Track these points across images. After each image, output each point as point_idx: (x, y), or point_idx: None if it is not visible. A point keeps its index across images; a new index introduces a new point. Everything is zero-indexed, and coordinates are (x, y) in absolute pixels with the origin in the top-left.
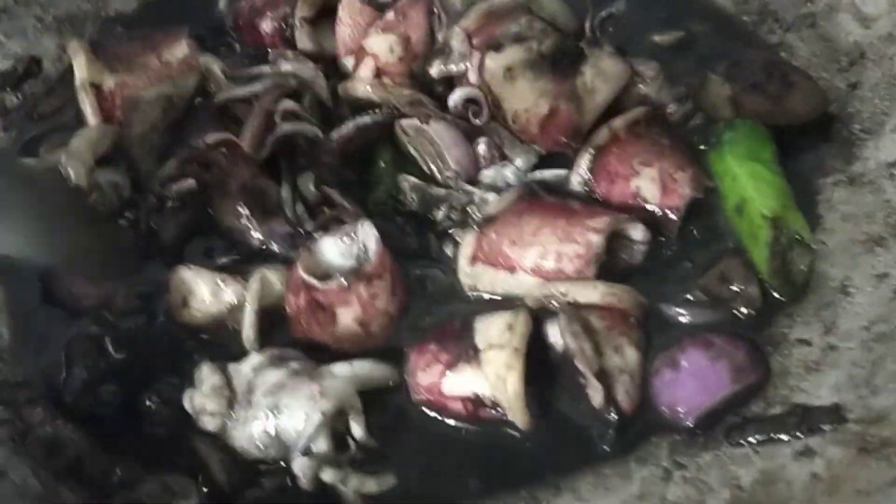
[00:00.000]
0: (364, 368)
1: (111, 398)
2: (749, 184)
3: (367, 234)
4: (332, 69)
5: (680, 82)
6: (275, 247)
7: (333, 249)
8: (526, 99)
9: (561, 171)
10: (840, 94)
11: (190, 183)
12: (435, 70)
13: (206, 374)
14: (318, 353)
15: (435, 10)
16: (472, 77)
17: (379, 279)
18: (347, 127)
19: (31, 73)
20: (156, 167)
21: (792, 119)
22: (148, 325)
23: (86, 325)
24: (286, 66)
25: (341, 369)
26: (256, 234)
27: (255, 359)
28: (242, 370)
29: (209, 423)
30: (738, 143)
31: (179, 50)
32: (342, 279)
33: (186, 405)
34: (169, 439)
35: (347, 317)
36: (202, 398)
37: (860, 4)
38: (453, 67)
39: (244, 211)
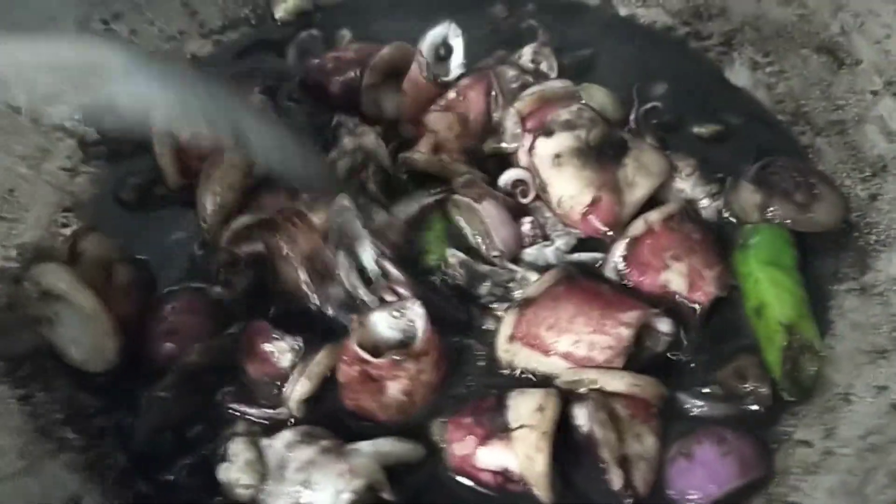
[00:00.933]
0: (387, 446)
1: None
2: (769, 290)
3: (417, 314)
4: (392, 132)
5: (714, 177)
6: (330, 311)
7: (384, 323)
8: (571, 186)
9: (597, 255)
10: (860, 203)
11: (260, 246)
12: (488, 147)
13: (241, 449)
14: (347, 423)
15: (493, 91)
16: (523, 158)
17: (426, 356)
18: (413, 207)
19: None
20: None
21: (814, 228)
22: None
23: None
24: (348, 141)
25: (367, 448)
26: (314, 299)
27: (287, 435)
28: (275, 445)
29: (242, 495)
30: (763, 247)
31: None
32: (395, 357)
33: (221, 476)
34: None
35: (395, 388)
36: (237, 472)
37: (887, 119)
38: (505, 146)
39: (304, 276)
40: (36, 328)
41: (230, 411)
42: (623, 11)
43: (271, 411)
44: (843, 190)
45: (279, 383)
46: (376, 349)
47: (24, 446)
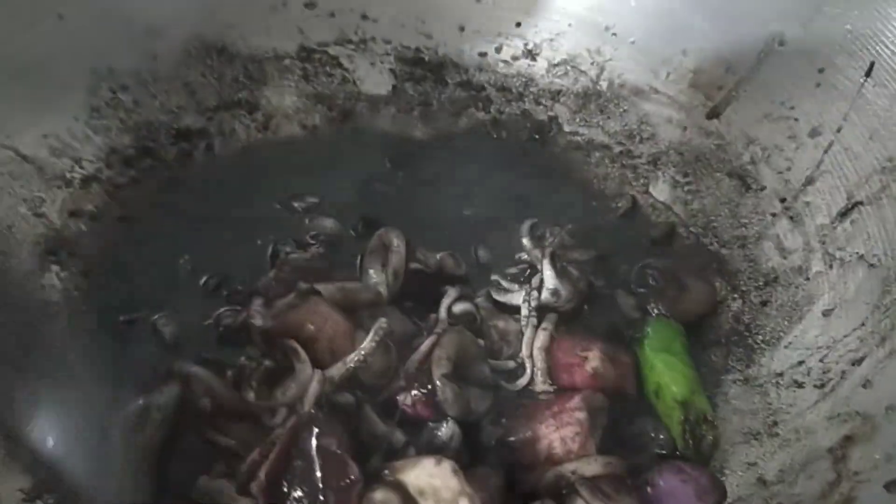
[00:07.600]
0: None
1: None
2: (663, 372)
3: None
4: None
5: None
6: None
7: None
8: None
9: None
10: (752, 307)
11: None
12: None
13: None
14: None
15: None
16: None
17: None
18: None
19: None
20: None
21: (689, 316)
22: None
23: None
24: None
25: None
26: None
27: None
28: None
29: None
30: (654, 337)
31: None
32: None
33: None
34: None
35: None
36: None
37: (782, 238)
38: None
39: None
40: None
41: None
42: (567, 128)
43: None
44: (737, 293)
45: None
46: None
47: None
